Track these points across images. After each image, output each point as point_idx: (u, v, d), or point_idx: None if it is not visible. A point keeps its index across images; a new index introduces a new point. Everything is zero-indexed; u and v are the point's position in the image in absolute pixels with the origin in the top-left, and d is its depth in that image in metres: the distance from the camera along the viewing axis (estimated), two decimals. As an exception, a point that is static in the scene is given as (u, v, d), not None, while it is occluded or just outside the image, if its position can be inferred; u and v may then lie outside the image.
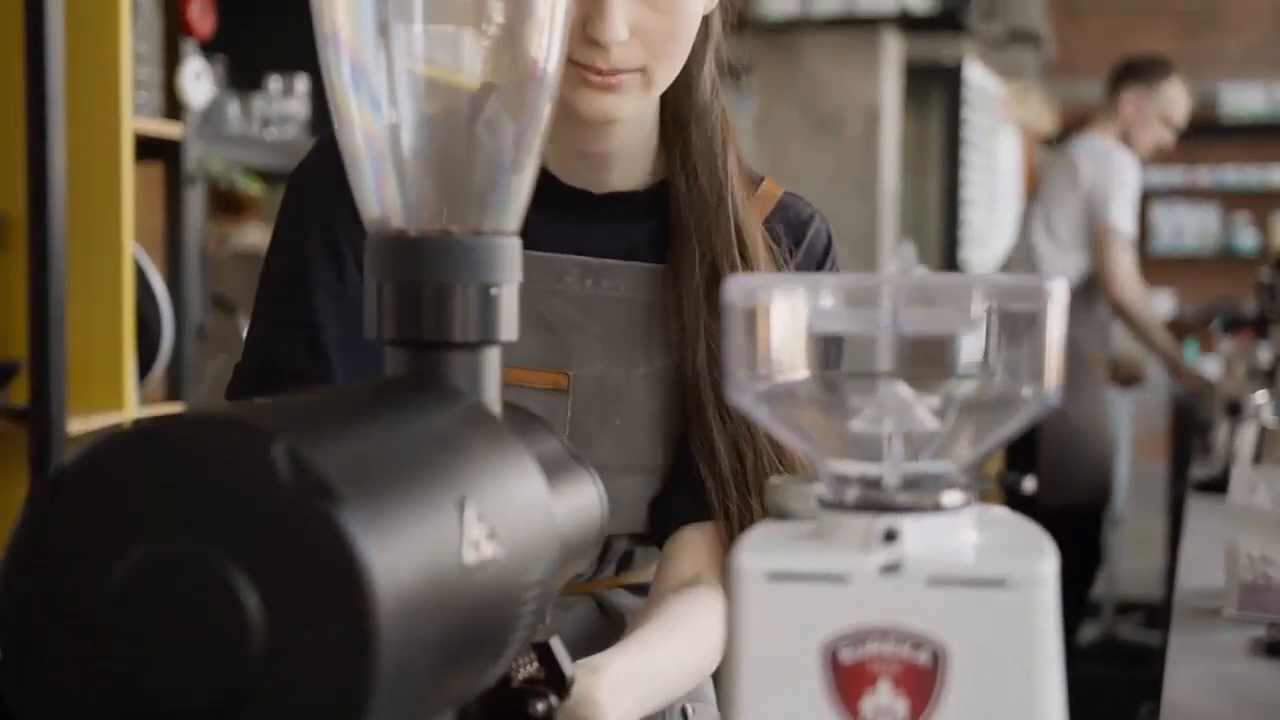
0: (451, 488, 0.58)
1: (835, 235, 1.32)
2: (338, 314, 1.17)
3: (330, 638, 0.50)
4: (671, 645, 1.14)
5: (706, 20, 1.22)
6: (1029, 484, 3.59)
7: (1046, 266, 4.09)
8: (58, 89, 2.40)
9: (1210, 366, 4.77)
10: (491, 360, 0.68)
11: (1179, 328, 6.13)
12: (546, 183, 1.21)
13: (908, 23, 5.47)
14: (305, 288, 1.18)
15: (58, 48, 2.39)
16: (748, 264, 1.22)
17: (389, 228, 0.67)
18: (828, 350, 0.64)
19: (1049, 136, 7.94)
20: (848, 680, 0.58)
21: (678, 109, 1.24)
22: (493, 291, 0.66)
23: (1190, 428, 4.15)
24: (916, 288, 0.61)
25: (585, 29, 1.10)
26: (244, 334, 1.24)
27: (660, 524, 1.26)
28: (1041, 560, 0.58)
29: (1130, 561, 5.16)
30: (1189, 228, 8.35)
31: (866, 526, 0.59)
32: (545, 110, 0.69)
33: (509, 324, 0.68)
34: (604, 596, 1.29)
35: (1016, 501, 3.73)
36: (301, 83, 3.59)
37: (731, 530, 1.20)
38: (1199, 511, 2.48)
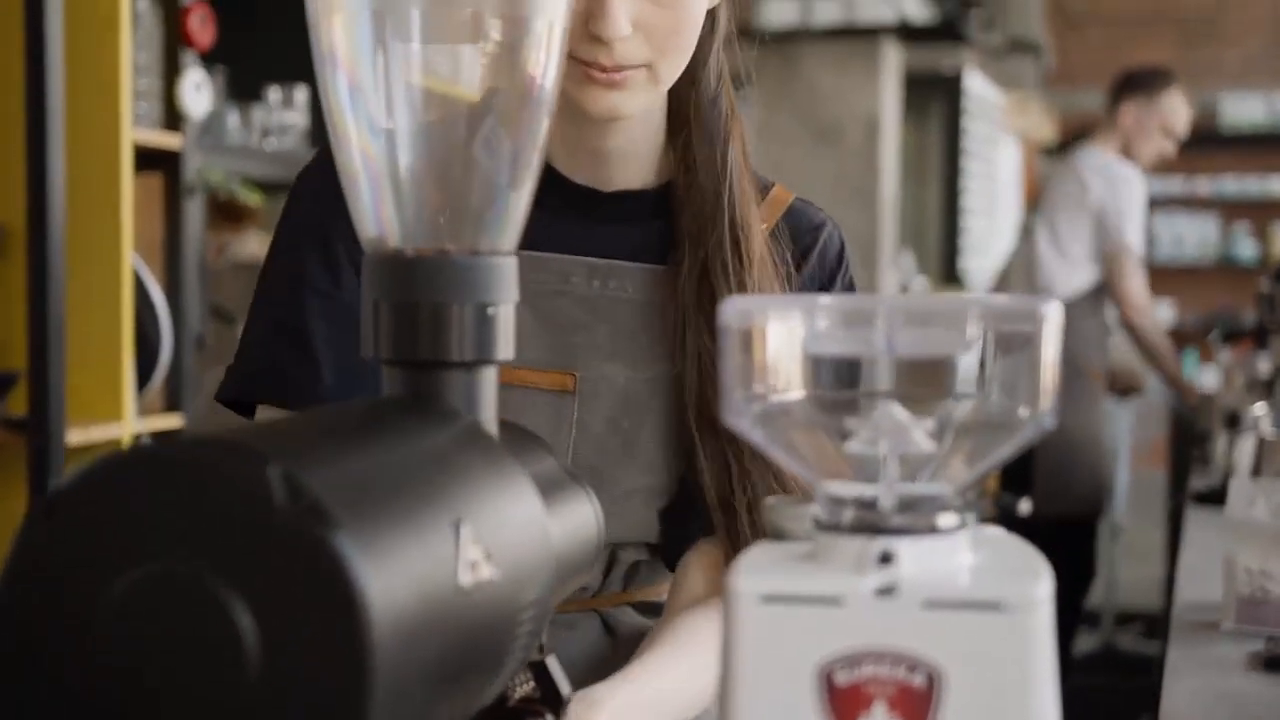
0: (447, 509, 0.58)
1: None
2: (330, 320, 1.16)
3: (325, 661, 0.50)
4: (676, 671, 1.13)
5: (712, 14, 1.20)
6: (1024, 506, 3.60)
7: (1047, 277, 4.10)
8: (58, 99, 2.40)
9: (1209, 377, 4.77)
10: (488, 380, 0.68)
11: (1178, 338, 6.13)
12: (553, 180, 1.20)
13: (907, 33, 5.48)
14: (299, 293, 1.17)
15: (58, 58, 2.40)
16: (743, 265, 1.19)
17: (386, 247, 0.67)
18: (835, 372, 0.64)
19: (1049, 146, 7.95)
20: (843, 703, 0.58)
21: (682, 103, 1.22)
22: (489, 311, 0.66)
23: (1189, 439, 4.15)
24: (912, 309, 0.61)
25: (588, 25, 1.08)
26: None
27: (671, 544, 1.24)
28: (1037, 583, 0.58)
29: (1130, 571, 5.16)
30: (1189, 237, 8.36)
31: (862, 549, 0.59)
32: (543, 127, 0.69)
33: (505, 343, 0.67)
34: (610, 615, 1.27)
35: (1012, 516, 3.74)
36: (301, 93, 3.59)
37: (736, 546, 1.17)
38: (1198, 523, 2.48)
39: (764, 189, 1.28)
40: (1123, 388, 4.65)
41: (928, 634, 0.57)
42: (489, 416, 0.68)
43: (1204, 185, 8.27)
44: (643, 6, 1.10)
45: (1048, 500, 3.93)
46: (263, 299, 1.21)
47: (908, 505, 0.60)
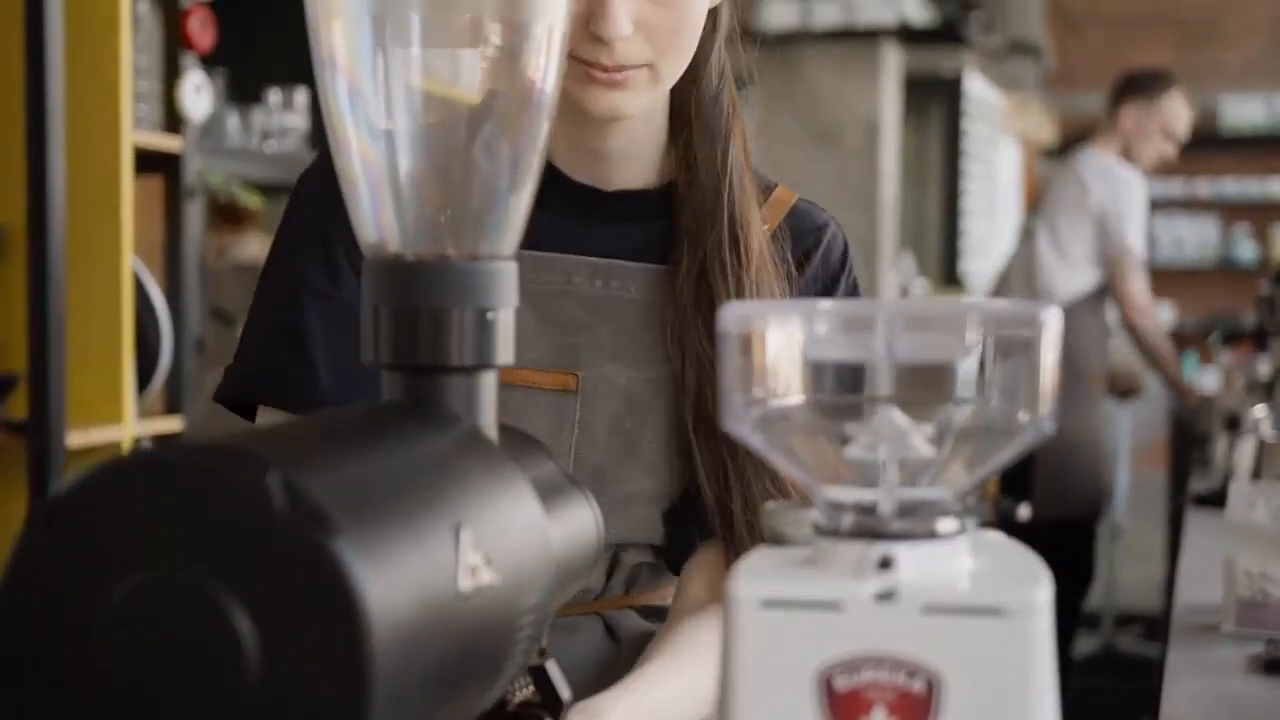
0: (447, 514, 0.58)
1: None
2: (329, 322, 1.16)
3: (325, 667, 0.50)
4: (677, 680, 1.13)
5: (714, 12, 1.20)
6: (1024, 511, 3.60)
7: (1048, 279, 4.10)
8: (58, 102, 2.40)
9: (1209, 379, 4.77)
10: (488, 384, 0.68)
11: (1178, 339, 6.13)
12: (554, 179, 1.20)
13: (907, 35, 5.48)
14: (298, 295, 1.17)
15: (58, 60, 2.40)
16: (741, 264, 1.19)
17: (385, 251, 0.67)
18: (835, 377, 0.63)
19: (1049, 148, 7.96)
20: (843, 708, 0.58)
21: (684, 102, 1.22)
22: (489, 315, 0.66)
23: (1189, 441, 4.15)
24: (911, 315, 0.61)
25: (588, 25, 1.08)
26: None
27: (675, 546, 1.24)
28: (1036, 588, 0.58)
29: (1130, 573, 5.16)
30: (1189, 239, 8.36)
31: (861, 554, 0.59)
32: (543, 131, 0.69)
33: (505, 348, 0.67)
34: (613, 618, 1.26)
35: (1011, 520, 3.74)
36: (301, 96, 3.59)
37: (734, 550, 1.17)
38: (1198, 525, 2.48)
39: (767, 189, 1.27)
40: (1123, 390, 4.65)
41: (927, 639, 0.57)
42: (489, 421, 0.68)
43: (1204, 187, 8.27)
44: (644, 6, 1.10)
45: (1048, 503, 3.93)
46: (262, 300, 1.21)
47: (907, 510, 0.60)
